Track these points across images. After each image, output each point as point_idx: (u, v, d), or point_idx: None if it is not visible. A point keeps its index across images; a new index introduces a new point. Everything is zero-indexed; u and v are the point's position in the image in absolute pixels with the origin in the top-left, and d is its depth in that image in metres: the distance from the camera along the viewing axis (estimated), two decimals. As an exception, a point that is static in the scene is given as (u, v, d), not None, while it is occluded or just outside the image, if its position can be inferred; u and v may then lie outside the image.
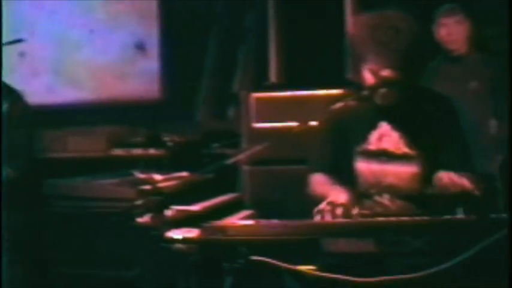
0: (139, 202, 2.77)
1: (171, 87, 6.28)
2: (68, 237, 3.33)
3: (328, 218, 2.60)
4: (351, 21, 2.94)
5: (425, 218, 2.53)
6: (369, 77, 2.86)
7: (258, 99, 4.68)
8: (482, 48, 4.86)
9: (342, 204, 2.64)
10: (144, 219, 3.07)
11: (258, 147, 2.71)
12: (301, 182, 3.10)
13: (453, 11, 4.61)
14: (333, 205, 2.62)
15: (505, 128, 4.55)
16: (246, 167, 4.66)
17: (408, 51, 2.77)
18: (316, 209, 2.65)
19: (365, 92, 2.78)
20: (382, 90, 2.83)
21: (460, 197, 2.61)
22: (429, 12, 4.69)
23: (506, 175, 4.53)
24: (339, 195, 2.72)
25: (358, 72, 2.90)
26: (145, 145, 5.42)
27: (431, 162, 2.94)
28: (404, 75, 2.80)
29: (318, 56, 4.66)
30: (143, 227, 3.05)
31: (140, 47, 6.36)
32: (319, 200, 2.71)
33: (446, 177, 2.70)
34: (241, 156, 2.78)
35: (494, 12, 5.38)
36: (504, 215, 2.46)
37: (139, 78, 6.37)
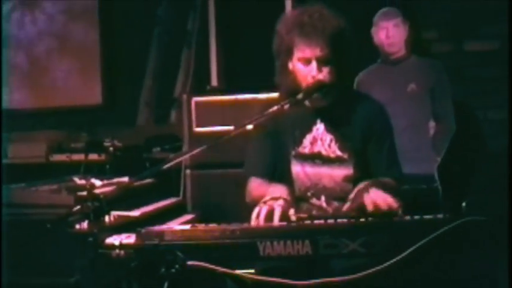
0: (75, 208, 2.73)
1: (112, 91, 6.23)
2: (4, 246, 3.26)
3: (265, 213, 2.59)
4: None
5: (362, 219, 2.55)
6: (300, 68, 2.87)
7: (198, 103, 4.67)
8: (421, 52, 4.93)
9: (280, 198, 2.65)
10: (82, 225, 3.03)
11: (193, 151, 2.69)
12: (242, 185, 3.09)
13: (391, 14, 4.66)
14: (272, 200, 2.63)
15: (443, 130, 4.63)
16: (187, 171, 4.64)
17: (334, 33, 2.80)
18: (256, 208, 2.64)
19: (300, 96, 2.78)
20: (316, 94, 2.85)
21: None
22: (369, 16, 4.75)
23: (445, 176, 4.60)
24: (277, 191, 2.72)
25: (287, 76, 2.91)
26: (86, 150, 5.36)
27: (364, 164, 2.97)
28: (334, 59, 2.83)
29: (259, 60, 4.66)
30: (81, 233, 3.02)
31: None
32: (257, 204, 2.70)
33: (369, 203, 2.62)
34: (177, 161, 2.75)
35: (434, 15, 5.47)
36: (440, 216, 2.49)
37: (80, 81, 6.30)
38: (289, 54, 2.88)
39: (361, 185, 2.77)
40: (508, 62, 5.05)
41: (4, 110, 6.21)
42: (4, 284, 3.25)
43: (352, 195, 2.75)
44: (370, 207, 2.59)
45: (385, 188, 2.69)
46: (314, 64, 2.83)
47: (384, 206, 2.58)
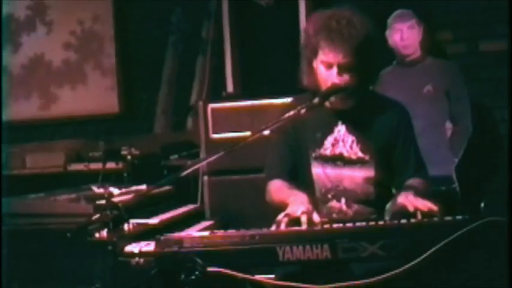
0: (95, 217, 2.74)
1: (129, 99, 6.25)
2: (24, 256, 3.28)
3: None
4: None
5: (381, 222, 2.55)
6: (322, 71, 2.88)
7: (215, 109, 4.67)
8: (437, 53, 4.92)
9: (303, 213, 2.62)
10: (101, 234, 3.04)
11: (210, 158, 2.70)
12: (260, 190, 3.10)
13: (406, 16, 4.66)
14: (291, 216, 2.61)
15: (460, 131, 4.61)
16: (204, 178, 4.65)
17: (360, 42, 2.80)
18: (276, 220, 2.63)
19: (316, 100, 2.78)
20: (334, 96, 2.85)
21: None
22: (383, 18, 4.74)
23: (463, 177, 4.58)
24: (298, 205, 2.68)
25: (310, 74, 2.92)
26: (103, 159, 5.38)
27: (385, 166, 2.98)
28: (356, 66, 2.82)
29: (273, 65, 4.67)
30: (100, 242, 3.03)
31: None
32: (277, 206, 2.70)
33: (410, 205, 2.63)
34: (194, 168, 2.76)
35: (449, 16, 5.45)
36: (459, 217, 2.48)
37: (96, 90, 6.32)
38: (314, 54, 2.90)
39: (397, 196, 2.75)
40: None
41: (21, 121, 6.26)
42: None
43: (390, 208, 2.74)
44: (411, 209, 2.58)
45: (420, 194, 2.69)
46: (335, 69, 2.84)
47: (424, 209, 2.57)
